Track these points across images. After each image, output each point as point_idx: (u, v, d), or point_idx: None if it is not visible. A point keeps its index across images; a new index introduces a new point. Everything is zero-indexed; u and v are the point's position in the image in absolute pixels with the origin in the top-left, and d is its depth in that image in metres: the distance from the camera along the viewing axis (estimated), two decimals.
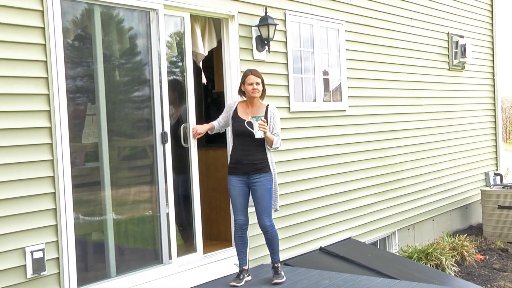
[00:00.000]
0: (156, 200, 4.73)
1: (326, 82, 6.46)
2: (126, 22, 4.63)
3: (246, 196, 4.82)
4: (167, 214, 4.76)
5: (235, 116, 4.82)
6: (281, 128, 5.69)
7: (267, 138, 4.67)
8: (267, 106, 4.86)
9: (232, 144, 4.93)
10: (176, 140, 4.97)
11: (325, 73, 6.47)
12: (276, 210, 4.92)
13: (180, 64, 5.10)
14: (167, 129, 4.72)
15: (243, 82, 4.81)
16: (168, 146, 4.73)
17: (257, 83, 4.75)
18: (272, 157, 4.84)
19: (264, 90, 4.85)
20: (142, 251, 4.82)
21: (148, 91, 4.68)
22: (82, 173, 4.39)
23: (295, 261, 5.65)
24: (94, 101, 4.40)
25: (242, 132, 4.72)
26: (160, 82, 4.69)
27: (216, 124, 5.00)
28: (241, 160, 4.75)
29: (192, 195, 5.12)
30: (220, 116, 4.98)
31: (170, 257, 4.74)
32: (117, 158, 4.59)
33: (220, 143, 5.59)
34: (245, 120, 4.73)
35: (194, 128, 4.96)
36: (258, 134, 4.61)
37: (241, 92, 4.89)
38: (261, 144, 4.76)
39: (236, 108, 4.84)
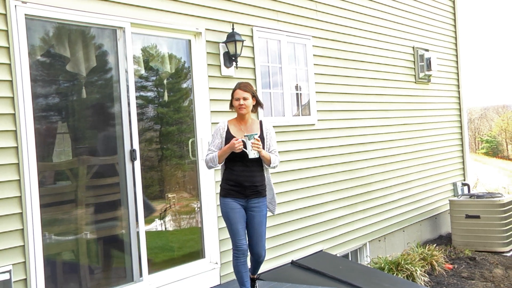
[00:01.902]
0: (127, 218, 4.71)
1: (296, 97, 6.54)
2: (94, 40, 4.64)
3: (245, 219, 4.49)
4: (137, 232, 4.74)
5: (229, 137, 4.42)
6: None
7: (264, 157, 4.38)
8: (261, 122, 4.61)
9: (225, 165, 4.50)
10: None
11: (296, 87, 6.55)
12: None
13: (149, 81, 5.12)
14: (136, 146, 4.72)
15: (232, 96, 4.53)
16: (137, 163, 4.73)
17: (244, 98, 4.43)
18: (269, 176, 4.62)
19: (258, 104, 4.58)
20: (113, 270, 4.79)
21: (116, 108, 4.69)
22: (52, 192, 4.36)
23: (267, 275, 5.66)
24: (64, 120, 4.38)
25: (242, 152, 4.32)
26: (128, 98, 4.70)
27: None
28: (241, 182, 4.41)
29: (201, 209, 5.36)
30: (213, 146, 4.47)
31: (141, 275, 4.72)
32: (87, 176, 4.58)
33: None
34: (236, 138, 4.34)
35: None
36: (252, 154, 4.29)
37: (232, 107, 4.59)
38: (260, 164, 4.49)
39: (227, 127, 4.49)
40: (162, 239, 5.44)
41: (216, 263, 5.39)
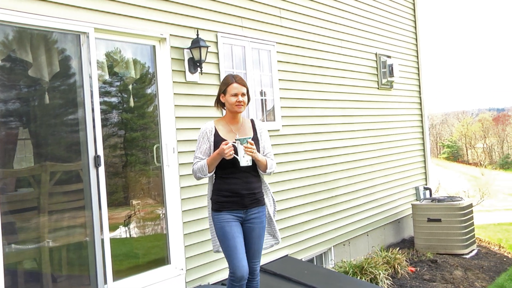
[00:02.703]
0: (91, 225, 4.66)
1: (261, 102, 6.58)
2: (57, 44, 4.59)
3: (242, 234, 3.90)
4: (102, 239, 4.69)
5: (218, 140, 3.86)
6: None
7: (259, 162, 3.84)
8: (252, 121, 4.11)
9: (214, 174, 3.94)
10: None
11: (261, 93, 6.60)
12: (277, 243, 4.20)
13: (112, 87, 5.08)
14: (100, 152, 4.67)
15: (223, 91, 3.92)
16: (102, 169, 4.69)
17: (243, 94, 3.89)
18: (266, 183, 4.12)
19: (248, 100, 4.01)
20: (77, 278, 4.72)
21: (80, 114, 4.64)
22: (13, 200, 4.28)
23: None
24: (25, 125, 4.32)
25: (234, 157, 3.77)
26: (92, 104, 4.65)
27: None
28: (238, 191, 3.84)
29: (166, 216, 5.29)
30: (199, 153, 3.90)
31: (105, 282, 4.67)
32: (50, 183, 4.51)
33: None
34: (225, 143, 3.77)
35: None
36: (244, 161, 3.73)
37: (220, 104, 4.01)
38: (256, 169, 3.93)
39: (215, 129, 3.92)
40: (127, 246, 5.40)
41: (182, 269, 5.37)
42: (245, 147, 3.72)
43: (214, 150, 3.84)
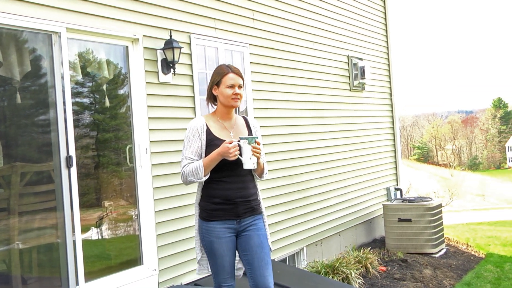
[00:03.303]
0: (62, 226, 4.63)
1: None
2: (28, 44, 4.55)
3: (235, 250, 3.50)
4: (74, 241, 4.66)
5: (211, 138, 3.43)
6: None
7: (259, 165, 3.44)
8: (245, 118, 3.71)
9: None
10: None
11: None
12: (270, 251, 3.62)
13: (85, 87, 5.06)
14: (72, 152, 4.65)
15: (216, 83, 3.50)
16: (74, 170, 4.66)
17: (240, 86, 3.49)
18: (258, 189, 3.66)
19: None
20: (48, 279, 4.68)
21: (52, 114, 4.61)
22: None
23: (205, 281, 5.68)
24: None
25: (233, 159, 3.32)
26: (64, 104, 4.62)
27: None
28: (231, 198, 3.40)
29: (139, 217, 5.23)
30: (190, 153, 3.41)
31: (77, 283, 4.65)
32: (20, 183, 4.47)
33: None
34: (230, 141, 3.32)
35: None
36: (250, 163, 3.31)
37: (212, 97, 3.57)
38: (251, 173, 3.53)
39: (207, 127, 3.46)
40: (99, 247, 5.37)
41: (155, 269, 5.37)
42: (253, 148, 3.30)
43: (206, 150, 3.39)
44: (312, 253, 7.82)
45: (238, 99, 3.49)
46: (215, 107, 3.60)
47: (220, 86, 3.48)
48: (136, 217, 5.43)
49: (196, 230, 3.56)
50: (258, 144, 3.32)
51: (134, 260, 5.38)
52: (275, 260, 6.90)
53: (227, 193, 3.41)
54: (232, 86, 3.46)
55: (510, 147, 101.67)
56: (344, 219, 8.67)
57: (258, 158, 3.34)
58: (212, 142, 3.41)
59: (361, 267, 7.13)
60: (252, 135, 3.60)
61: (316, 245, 7.96)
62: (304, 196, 7.70)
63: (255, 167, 3.36)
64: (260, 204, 3.58)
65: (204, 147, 3.42)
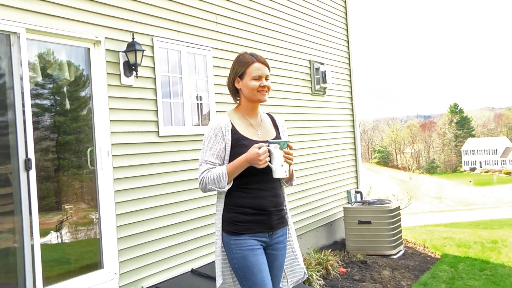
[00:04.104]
0: (20, 230, 4.55)
1: (197, 107, 6.62)
2: None
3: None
4: (32, 245, 4.59)
5: (238, 137, 3.01)
6: (150, 153, 5.80)
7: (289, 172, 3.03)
8: (270, 115, 3.32)
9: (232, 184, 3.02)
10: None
11: (197, 97, 6.63)
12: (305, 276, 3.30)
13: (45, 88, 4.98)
14: (31, 155, 4.58)
15: (240, 74, 3.10)
16: (33, 173, 4.59)
17: (267, 77, 3.09)
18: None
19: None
20: (4, 285, 4.59)
21: (10, 116, 4.53)
22: None
23: (167, 284, 5.67)
24: None
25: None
26: (23, 106, 4.55)
27: None
28: (265, 207, 3.00)
29: (100, 220, 5.18)
30: (211, 155, 2.98)
31: None
32: None
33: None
34: (257, 142, 2.98)
35: None
36: (282, 171, 2.90)
37: (235, 91, 3.18)
38: (279, 179, 3.12)
39: (232, 125, 3.05)
40: (58, 251, 5.30)
41: (115, 273, 5.33)
42: (286, 153, 2.90)
43: (232, 151, 2.98)
44: None
45: (266, 91, 3.08)
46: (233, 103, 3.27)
47: (244, 78, 3.08)
48: (97, 220, 5.38)
49: (218, 248, 3.06)
50: (291, 148, 2.93)
51: (95, 264, 5.33)
52: None
53: (260, 202, 2.99)
54: (258, 78, 3.06)
55: (466, 151, 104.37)
56: (305, 221, 8.76)
57: (289, 165, 2.95)
58: (238, 142, 2.99)
59: (322, 269, 7.22)
60: (280, 136, 3.20)
61: None
62: None
63: (287, 176, 2.94)
64: (288, 214, 3.22)
65: (228, 148, 2.98)
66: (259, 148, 2.87)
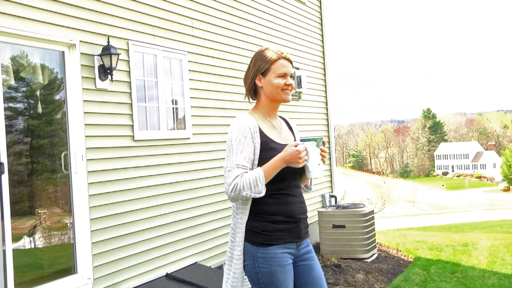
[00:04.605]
0: None
1: (172, 111, 6.62)
2: None
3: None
4: (4, 251, 4.54)
5: (266, 140, 2.79)
6: (125, 157, 5.79)
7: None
8: (283, 118, 3.12)
9: None
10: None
11: (173, 102, 6.63)
12: None
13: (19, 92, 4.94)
14: (4, 159, 4.53)
15: (262, 71, 2.86)
16: (5, 177, 4.54)
17: (292, 76, 2.90)
18: None
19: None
20: None
21: None
22: None
23: None
24: None
25: (296, 168, 2.74)
26: None
27: None
28: (295, 214, 2.80)
29: (74, 225, 5.10)
30: (242, 159, 2.71)
31: None
32: None
33: None
34: (284, 145, 2.78)
35: None
36: (318, 170, 2.76)
37: (252, 90, 2.95)
38: (299, 184, 2.95)
39: (259, 128, 2.81)
40: (31, 256, 5.24)
41: (89, 278, 5.29)
42: (322, 151, 2.77)
43: (260, 156, 2.75)
44: None
45: (290, 91, 2.88)
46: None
47: (267, 75, 2.85)
48: (71, 225, 5.34)
49: (237, 260, 2.81)
50: (324, 145, 2.79)
51: (68, 269, 5.29)
52: (211, 266, 6.94)
53: (290, 209, 2.77)
54: (283, 75, 2.84)
55: (438, 155, 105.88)
56: None
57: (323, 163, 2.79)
58: (267, 145, 2.76)
59: None
60: (294, 137, 3.04)
61: None
62: None
63: (322, 175, 2.79)
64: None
65: (257, 152, 2.74)
66: (296, 146, 2.67)
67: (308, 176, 2.80)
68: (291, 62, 2.88)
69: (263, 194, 2.67)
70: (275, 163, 2.69)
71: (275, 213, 2.74)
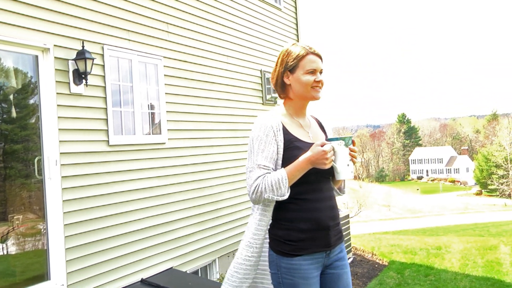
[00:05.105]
0: None
1: (148, 116, 6.60)
2: None
3: None
4: None
5: (291, 139, 2.60)
6: (99, 162, 5.75)
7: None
8: (314, 117, 2.93)
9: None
10: None
11: (149, 106, 6.62)
12: None
13: None
14: None
15: (290, 68, 2.68)
16: None
17: (321, 71, 2.69)
18: None
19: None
20: None
21: None
22: None
23: None
24: None
25: (323, 169, 2.53)
26: None
27: None
28: (323, 221, 2.58)
29: (47, 231, 5.01)
30: (264, 159, 2.53)
31: None
32: None
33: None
34: (311, 144, 2.57)
35: None
36: (347, 172, 2.55)
37: (282, 87, 2.75)
38: (332, 188, 2.75)
39: (283, 125, 2.64)
40: (3, 263, 5.17)
41: (62, 284, 5.24)
42: (351, 151, 2.57)
43: (284, 155, 2.57)
44: (225, 265, 7.90)
45: (321, 88, 2.68)
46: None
47: (295, 72, 2.66)
48: (44, 231, 5.29)
49: (264, 268, 2.64)
50: (354, 145, 2.59)
51: (41, 275, 5.23)
52: (187, 272, 6.93)
53: (317, 216, 2.56)
54: (313, 72, 2.65)
55: (413, 160, 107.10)
56: None
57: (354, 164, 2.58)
58: (291, 144, 2.58)
59: None
60: (326, 137, 2.84)
61: (228, 256, 8.05)
62: (216, 208, 7.78)
63: (352, 177, 2.57)
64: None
65: (281, 151, 2.57)
66: (322, 146, 2.48)
67: (337, 178, 2.58)
68: (320, 57, 2.69)
69: (286, 197, 2.49)
70: (300, 164, 2.49)
71: (301, 220, 2.53)
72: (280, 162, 2.56)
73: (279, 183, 2.45)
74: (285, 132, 2.59)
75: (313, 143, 2.56)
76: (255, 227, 2.59)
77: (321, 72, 2.67)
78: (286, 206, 2.54)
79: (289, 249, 2.52)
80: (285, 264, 2.52)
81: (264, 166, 2.51)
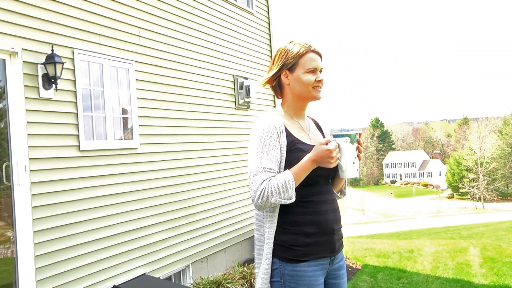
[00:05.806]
0: None
1: (120, 121, 6.54)
2: None
3: None
4: None
5: (293, 141, 2.51)
6: (70, 168, 5.68)
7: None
8: (311, 118, 2.85)
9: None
10: None
11: (123, 111, 6.56)
12: None
13: None
14: None
15: (289, 67, 2.59)
16: None
17: (321, 70, 2.61)
18: None
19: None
20: None
21: None
22: None
23: None
24: None
25: (328, 170, 2.48)
26: None
27: None
28: (328, 225, 2.51)
29: (16, 238, 4.84)
30: (268, 161, 2.43)
31: None
32: None
33: None
34: (313, 146, 2.50)
35: None
36: (353, 169, 2.46)
37: (278, 87, 2.69)
38: (332, 190, 2.66)
39: (285, 127, 2.53)
40: None
41: None
42: (359, 144, 2.47)
43: (287, 157, 2.47)
44: (198, 270, 7.86)
45: (321, 87, 2.59)
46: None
47: (295, 71, 2.57)
48: (13, 238, 5.19)
49: (264, 274, 2.50)
50: (360, 143, 2.47)
51: (9, 284, 5.13)
52: (160, 278, 6.87)
53: (324, 218, 2.48)
54: (313, 71, 2.56)
55: (387, 164, 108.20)
56: (229, 235, 8.81)
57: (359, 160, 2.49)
58: (294, 146, 2.48)
59: (246, 282, 7.28)
60: (324, 137, 2.75)
61: (202, 261, 8.01)
62: (189, 213, 7.74)
63: (358, 175, 2.49)
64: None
65: (284, 153, 2.46)
66: (327, 144, 2.39)
67: (341, 176, 2.49)
68: (320, 55, 2.60)
69: (293, 200, 2.39)
70: (305, 165, 2.40)
71: (306, 224, 2.44)
72: (283, 165, 2.46)
73: (286, 185, 2.36)
74: (288, 133, 2.51)
75: (314, 146, 2.49)
76: (265, 234, 2.50)
77: (321, 71, 2.60)
78: (292, 209, 2.45)
79: (294, 255, 2.43)
80: (289, 271, 2.43)
81: (270, 169, 2.41)
